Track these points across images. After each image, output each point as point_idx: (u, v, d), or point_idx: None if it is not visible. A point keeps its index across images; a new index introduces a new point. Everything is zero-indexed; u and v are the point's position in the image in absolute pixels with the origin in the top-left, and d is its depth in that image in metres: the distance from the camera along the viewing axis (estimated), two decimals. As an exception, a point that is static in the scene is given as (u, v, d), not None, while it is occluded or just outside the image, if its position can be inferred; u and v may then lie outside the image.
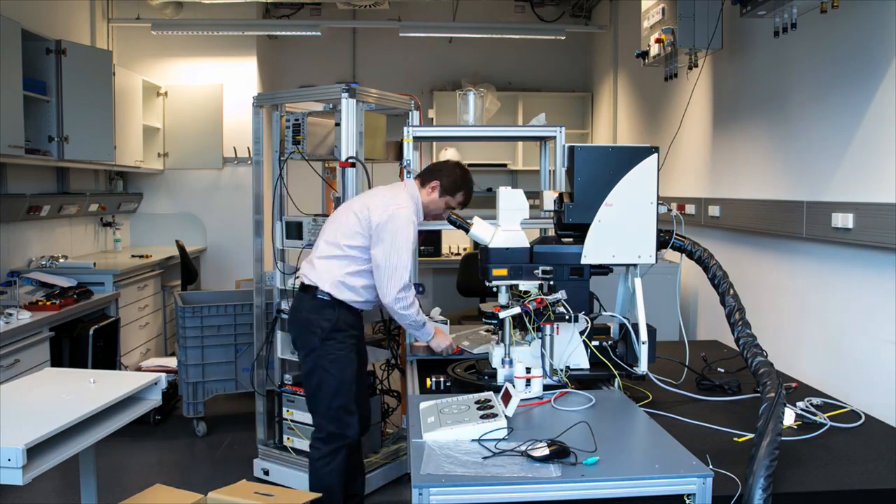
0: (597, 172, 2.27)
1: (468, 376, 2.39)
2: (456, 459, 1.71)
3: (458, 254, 6.89)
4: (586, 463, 1.68)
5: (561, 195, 2.36)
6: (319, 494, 2.61)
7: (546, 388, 2.23)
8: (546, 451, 1.70)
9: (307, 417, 3.55)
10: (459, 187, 2.91)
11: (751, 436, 2.02)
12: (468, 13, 7.07)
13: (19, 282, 4.18)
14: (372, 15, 6.88)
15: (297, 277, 3.51)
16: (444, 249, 6.96)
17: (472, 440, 1.82)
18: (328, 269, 2.84)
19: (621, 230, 2.28)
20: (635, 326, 2.30)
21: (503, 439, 1.82)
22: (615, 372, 2.31)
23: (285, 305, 3.56)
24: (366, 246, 2.78)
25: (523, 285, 2.33)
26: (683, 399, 2.42)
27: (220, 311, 4.28)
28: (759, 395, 2.03)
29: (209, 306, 4.29)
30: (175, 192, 6.83)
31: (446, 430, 1.84)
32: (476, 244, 2.49)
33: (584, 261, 2.29)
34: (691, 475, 1.63)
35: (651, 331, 2.28)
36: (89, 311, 4.47)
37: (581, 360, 2.33)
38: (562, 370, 2.28)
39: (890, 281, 2.74)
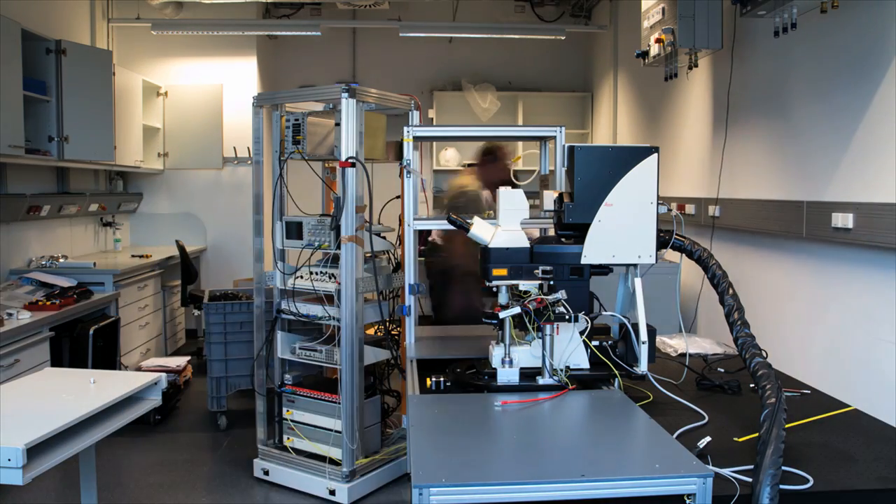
0: (597, 172, 2.27)
1: (468, 376, 2.39)
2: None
3: (458, 254, 6.88)
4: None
5: (561, 195, 2.36)
6: None
7: (546, 387, 2.24)
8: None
9: (307, 417, 3.56)
10: None
11: (751, 436, 2.02)
12: (468, 13, 7.07)
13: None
14: (372, 15, 6.89)
15: (298, 277, 3.51)
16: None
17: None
18: None
19: (621, 230, 2.28)
20: (635, 326, 2.30)
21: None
22: (615, 372, 2.31)
23: (285, 305, 3.56)
24: None
25: (523, 285, 2.32)
26: (684, 398, 2.41)
27: (243, 308, 4.32)
28: (758, 394, 2.03)
29: (232, 303, 4.34)
30: (175, 192, 6.83)
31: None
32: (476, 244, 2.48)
33: (584, 261, 2.29)
34: (691, 475, 1.63)
35: (651, 331, 2.28)
36: (89, 311, 4.47)
37: (581, 360, 2.33)
38: (562, 370, 2.29)
39: (890, 281, 2.74)
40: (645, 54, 4.13)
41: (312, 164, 3.65)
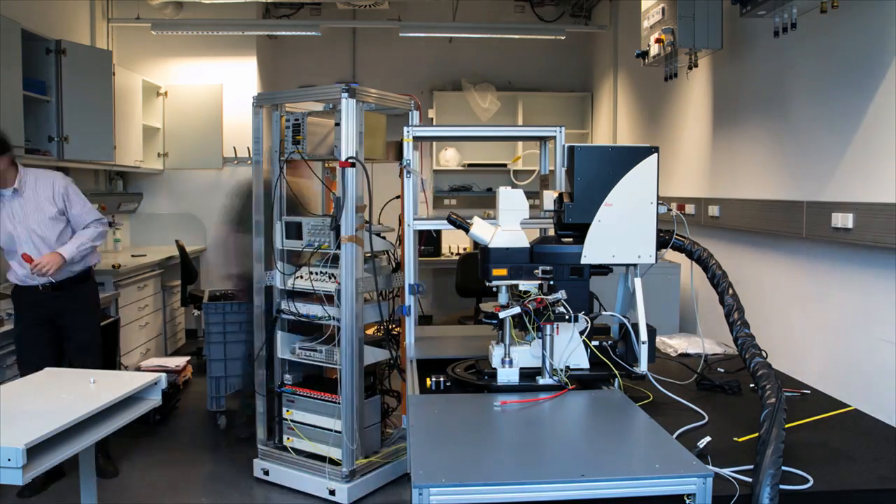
0: (597, 172, 2.27)
1: (468, 376, 2.39)
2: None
3: (458, 254, 6.88)
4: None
5: (561, 195, 2.36)
6: None
7: (546, 387, 2.23)
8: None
9: (307, 417, 3.56)
10: None
11: (751, 436, 2.02)
12: (468, 13, 7.07)
13: None
14: (372, 15, 6.89)
15: (298, 277, 3.51)
16: (444, 249, 6.95)
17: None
18: None
19: (621, 230, 2.28)
20: (635, 326, 2.30)
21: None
22: (615, 372, 2.31)
23: (285, 305, 3.56)
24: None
25: (523, 285, 2.32)
26: (684, 398, 2.41)
27: (242, 308, 4.33)
28: (758, 394, 2.03)
29: (232, 303, 4.36)
30: (175, 192, 6.83)
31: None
32: (476, 244, 2.48)
33: (584, 261, 2.29)
34: (691, 475, 1.62)
35: (651, 331, 2.28)
36: (89, 311, 4.45)
37: (581, 360, 2.33)
38: (562, 370, 2.28)
39: (890, 281, 2.74)
40: (645, 54, 4.13)
41: (312, 164, 3.65)
